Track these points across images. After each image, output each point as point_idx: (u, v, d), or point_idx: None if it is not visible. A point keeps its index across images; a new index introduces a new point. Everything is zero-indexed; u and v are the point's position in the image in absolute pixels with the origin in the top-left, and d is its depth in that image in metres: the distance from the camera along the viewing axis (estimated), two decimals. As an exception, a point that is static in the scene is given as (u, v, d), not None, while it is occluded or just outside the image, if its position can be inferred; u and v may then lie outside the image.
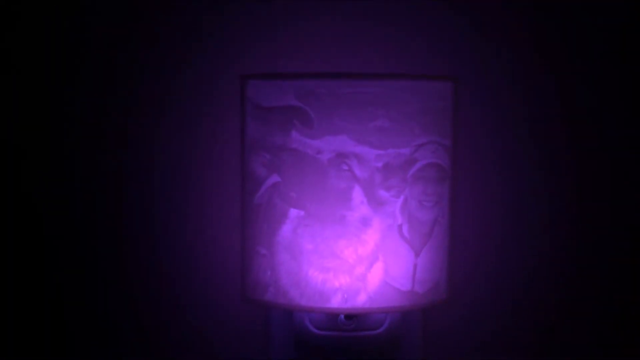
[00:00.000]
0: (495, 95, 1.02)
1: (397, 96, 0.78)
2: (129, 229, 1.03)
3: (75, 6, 0.99)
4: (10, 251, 1.03)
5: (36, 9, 0.99)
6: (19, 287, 1.03)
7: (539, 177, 1.04)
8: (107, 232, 1.03)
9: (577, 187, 1.05)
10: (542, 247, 1.05)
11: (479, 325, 1.07)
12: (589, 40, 1.02)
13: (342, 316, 0.90)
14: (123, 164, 1.02)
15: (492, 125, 1.03)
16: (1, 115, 1.00)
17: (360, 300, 0.80)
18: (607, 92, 1.03)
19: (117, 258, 1.03)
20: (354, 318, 0.91)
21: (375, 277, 0.80)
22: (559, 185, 1.04)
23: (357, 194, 0.78)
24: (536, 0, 1.01)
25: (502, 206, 1.04)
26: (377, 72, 0.94)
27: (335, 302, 0.80)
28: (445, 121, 0.82)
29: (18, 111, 1.00)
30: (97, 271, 1.04)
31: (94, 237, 1.03)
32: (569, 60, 1.02)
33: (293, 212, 0.80)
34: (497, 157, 1.04)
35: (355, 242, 0.79)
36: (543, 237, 1.05)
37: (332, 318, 0.91)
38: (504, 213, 1.05)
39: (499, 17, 1.01)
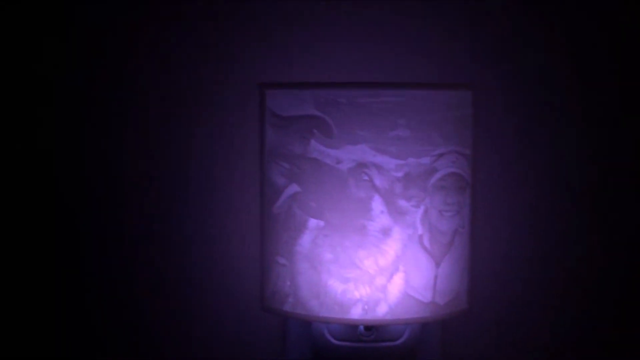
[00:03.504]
0: (516, 103, 1.02)
1: (417, 105, 0.77)
2: (147, 238, 1.03)
3: (87, 13, 0.99)
4: (15, 254, 1.03)
5: (46, 10, 0.99)
6: (36, 293, 1.04)
7: (561, 186, 1.03)
8: (125, 241, 1.03)
9: (601, 197, 1.03)
10: (564, 257, 1.04)
11: (498, 336, 1.06)
12: (612, 47, 1.01)
13: (362, 327, 0.90)
14: (141, 173, 1.02)
15: (513, 134, 1.02)
16: (5, 117, 1.01)
17: (381, 312, 0.79)
18: (634, 101, 1.02)
19: (136, 268, 1.03)
20: (373, 329, 0.90)
21: (395, 288, 0.79)
22: (581, 195, 1.03)
23: (377, 204, 0.78)
24: (557, 7, 1.00)
25: (523, 216, 1.03)
26: (396, 81, 0.93)
27: (355, 314, 0.79)
28: (465, 130, 0.82)
29: (25, 113, 1.01)
30: (115, 280, 1.04)
31: (106, 246, 1.03)
32: (591, 66, 1.01)
33: (312, 222, 0.79)
34: (517, 166, 1.03)
35: (375, 252, 0.78)
36: (565, 247, 1.04)
37: (351, 328, 0.90)
38: (525, 223, 1.04)
39: (519, 24, 1.00)
